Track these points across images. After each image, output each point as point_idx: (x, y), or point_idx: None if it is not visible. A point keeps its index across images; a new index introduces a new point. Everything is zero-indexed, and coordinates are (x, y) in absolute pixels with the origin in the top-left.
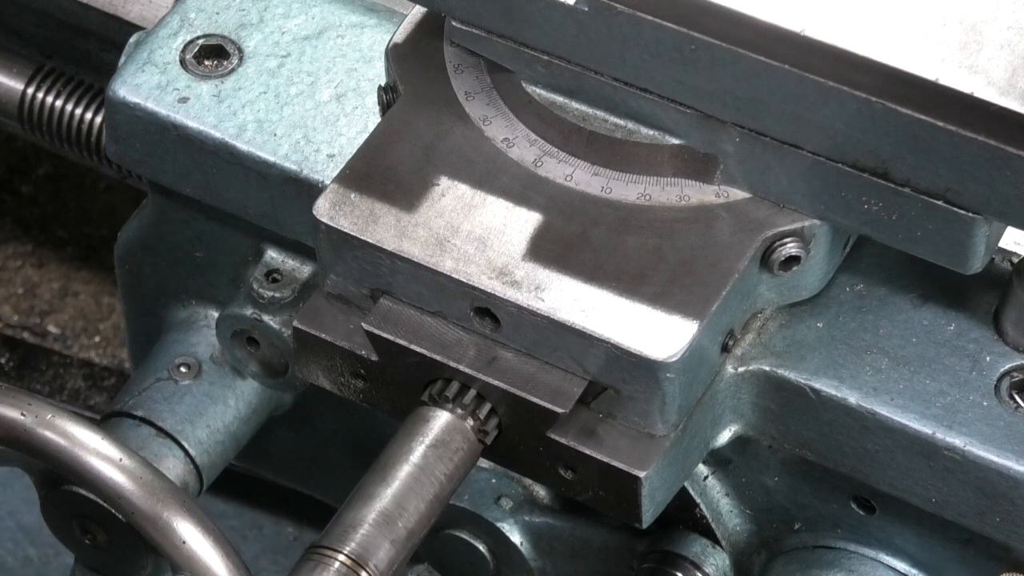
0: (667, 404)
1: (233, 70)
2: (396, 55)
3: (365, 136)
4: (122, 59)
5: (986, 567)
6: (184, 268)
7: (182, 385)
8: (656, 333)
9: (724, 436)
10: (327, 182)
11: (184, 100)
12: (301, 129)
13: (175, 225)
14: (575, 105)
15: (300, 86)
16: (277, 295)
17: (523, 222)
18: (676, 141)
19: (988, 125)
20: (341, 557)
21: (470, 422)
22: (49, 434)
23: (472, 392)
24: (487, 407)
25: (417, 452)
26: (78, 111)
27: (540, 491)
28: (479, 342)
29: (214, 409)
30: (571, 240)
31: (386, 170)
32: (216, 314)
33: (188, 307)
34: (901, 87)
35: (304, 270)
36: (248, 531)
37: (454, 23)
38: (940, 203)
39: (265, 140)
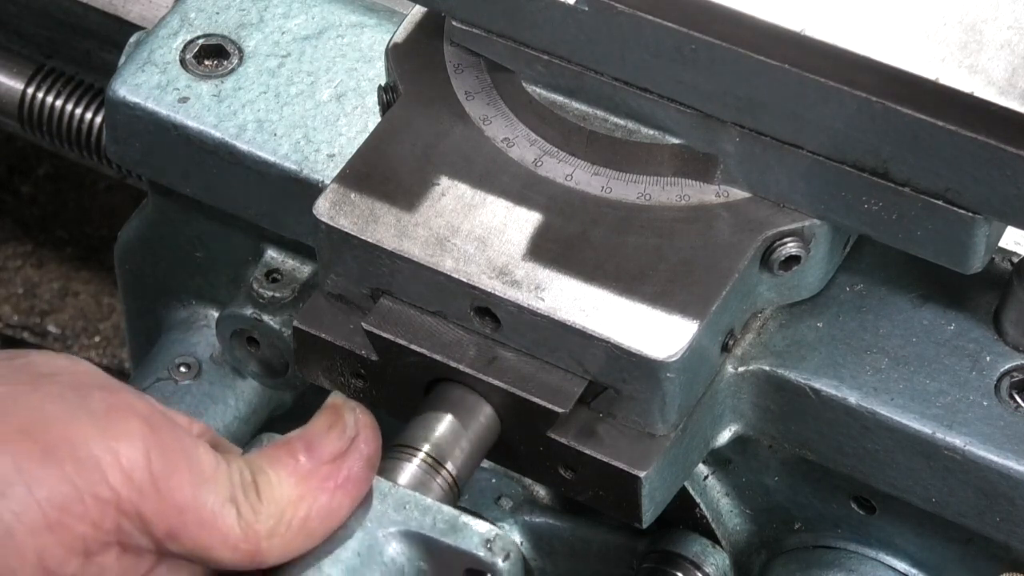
0: (667, 404)
1: (233, 70)
2: (396, 55)
3: (365, 136)
4: (122, 59)
5: (986, 567)
6: (184, 268)
7: (182, 385)
8: (656, 333)
9: (724, 436)
10: (327, 182)
11: (184, 100)
12: (301, 129)
13: (175, 225)
14: (575, 105)
15: (300, 86)
16: (277, 295)
17: (523, 222)
18: (676, 141)
19: (988, 125)
20: (421, 455)
21: None
22: None
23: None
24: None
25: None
26: (78, 111)
27: (540, 491)
28: (479, 342)
29: (214, 409)
30: (571, 240)
31: (386, 170)
32: (216, 314)
33: (188, 307)
34: (901, 87)
35: (304, 270)
36: None
37: (454, 23)
38: (940, 203)
39: (265, 140)
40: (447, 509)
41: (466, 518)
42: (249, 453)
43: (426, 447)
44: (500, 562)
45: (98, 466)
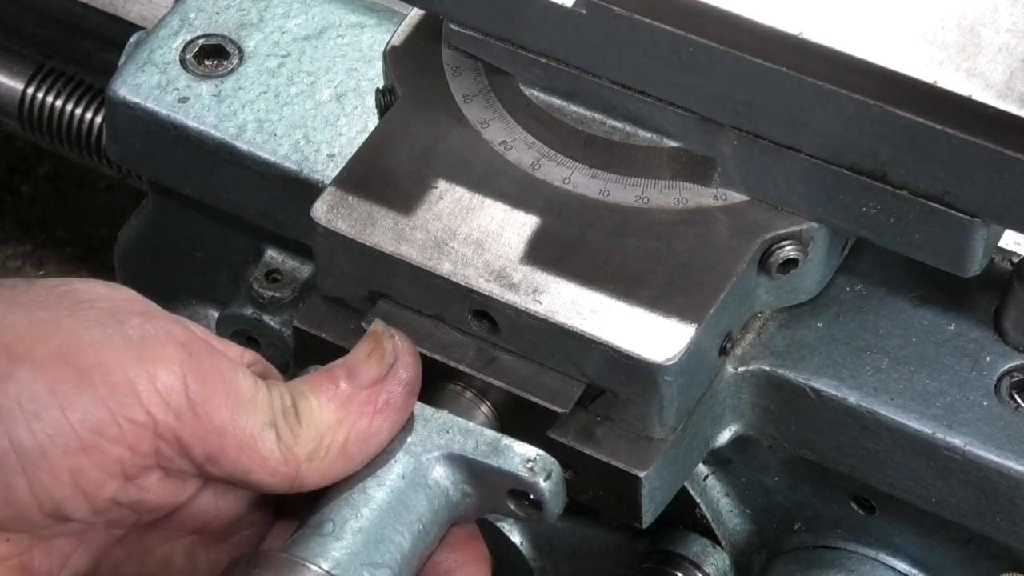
0: (665, 407)
1: (233, 70)
2: (394, 57)
3: (365, 136)
4: (122, 59)
5: (986, 567)
6: (184, 268)
7: None
8: (654, 336)
9: (724, 436)
10: (327, 182)
11: (184, 100)
12: (301, 129)
13: (175, 225)
14: (573, 108)
15: (300, 86)
16: (277, 295)
17: (521, 225)
18: (674, 144)
19: (986, 128)
20: (466, 384)
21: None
22: None
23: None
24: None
25: None
26: (78, 111)
27: None
28: (478, 344)
29: None
30: (569, 243)
31: (384, 173)
32: (216, 314)
33: (188, 307)
34: (899, 90)
35: (304, 270)
36: None
37: (452, 26)
38: (938, 206)
39: (265, 140)
40: (489, 432)
41: (508, 440)
42: (292, 380)
43: (464, 383)
44: (542, 482)
45: (133, 390)
